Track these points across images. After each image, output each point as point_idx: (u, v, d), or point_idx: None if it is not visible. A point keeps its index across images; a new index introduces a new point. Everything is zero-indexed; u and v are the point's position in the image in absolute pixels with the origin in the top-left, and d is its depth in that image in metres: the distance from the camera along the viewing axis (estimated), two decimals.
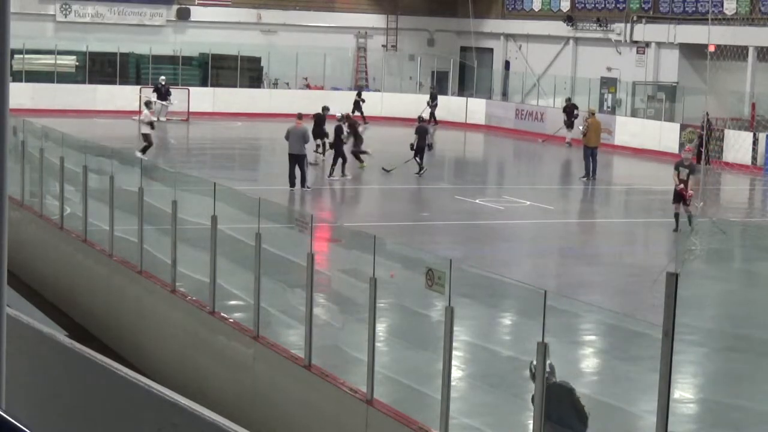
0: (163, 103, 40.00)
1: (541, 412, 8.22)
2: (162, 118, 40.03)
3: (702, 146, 27.96)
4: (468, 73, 48.35)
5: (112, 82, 42.25)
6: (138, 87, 41.30)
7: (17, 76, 39.83)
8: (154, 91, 40.30)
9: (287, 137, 26.34)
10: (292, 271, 13.49)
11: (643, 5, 40.99)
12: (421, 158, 29.42)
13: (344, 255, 15.23)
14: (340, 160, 28.14)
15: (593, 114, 32.27)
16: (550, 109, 42.06)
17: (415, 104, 42.59)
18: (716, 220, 22.38)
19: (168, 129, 38.09)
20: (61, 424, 5.85)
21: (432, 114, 43.57)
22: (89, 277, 17.16)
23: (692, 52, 37.57)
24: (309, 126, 28.11)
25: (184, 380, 13.35)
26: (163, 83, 40.50)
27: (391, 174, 28.80)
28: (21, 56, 40.94)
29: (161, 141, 32.21)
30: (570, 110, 38.63)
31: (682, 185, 21.77)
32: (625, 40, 41.44)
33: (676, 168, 22.33)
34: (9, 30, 4.03)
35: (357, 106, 42.50)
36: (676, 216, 21.95)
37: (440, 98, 45.91)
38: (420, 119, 33.32)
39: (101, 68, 43.74)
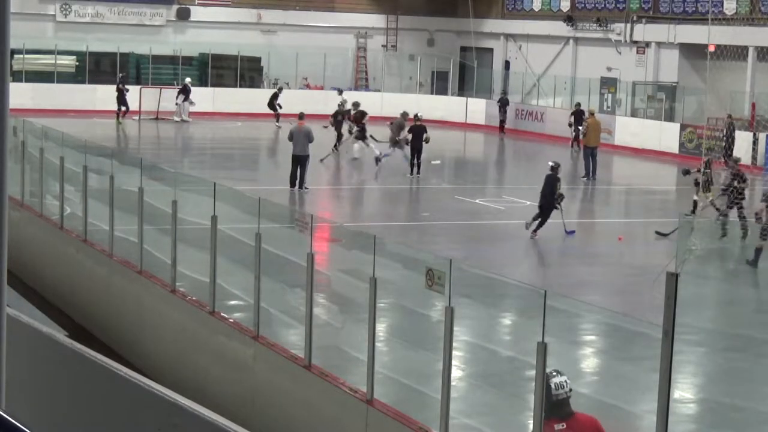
0: (190, 102, 40.49)
1: (541, 413, 8.21)
2: (186, 118, 40.21)
3: (727, 148, 27.83)
4: (468, 73, 48.32)
5: (112, 82, 42.20)
6: (138, 87, 41.29)
7: (17, 76, 39.82)
8: (181, 92, 40.51)
9: (290, 138, 26.13)
10: (292, 271, 13.49)
11: (643, 5, 40.97)
12: (419, 158, 29.13)
13: (344, 255, 15.24)
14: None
15: (592, 114, 32.23)
16: (550, 109, 42.06)
17: (415, 104, 42.52)
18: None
19: (177, 128, 38.13)
20: (61, 424, 5.85)
21: (502, 121, 42.90)
22: (89, 277, 17.16)
23: (692, 52, 37.55)
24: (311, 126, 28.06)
25: (184, 380, 13.35)
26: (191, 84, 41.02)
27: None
28: (21, 56, 40.93)
29: (176, 140, 32.09)
30: (578, 115, 35.59)
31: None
32: (625, 40, 41.42)
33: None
34: (9, 30, 4.03)
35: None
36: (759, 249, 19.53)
37: (440, 99, 45.89)
38: (416, 117, 30.09)
39: (101, 68, 43.75)
